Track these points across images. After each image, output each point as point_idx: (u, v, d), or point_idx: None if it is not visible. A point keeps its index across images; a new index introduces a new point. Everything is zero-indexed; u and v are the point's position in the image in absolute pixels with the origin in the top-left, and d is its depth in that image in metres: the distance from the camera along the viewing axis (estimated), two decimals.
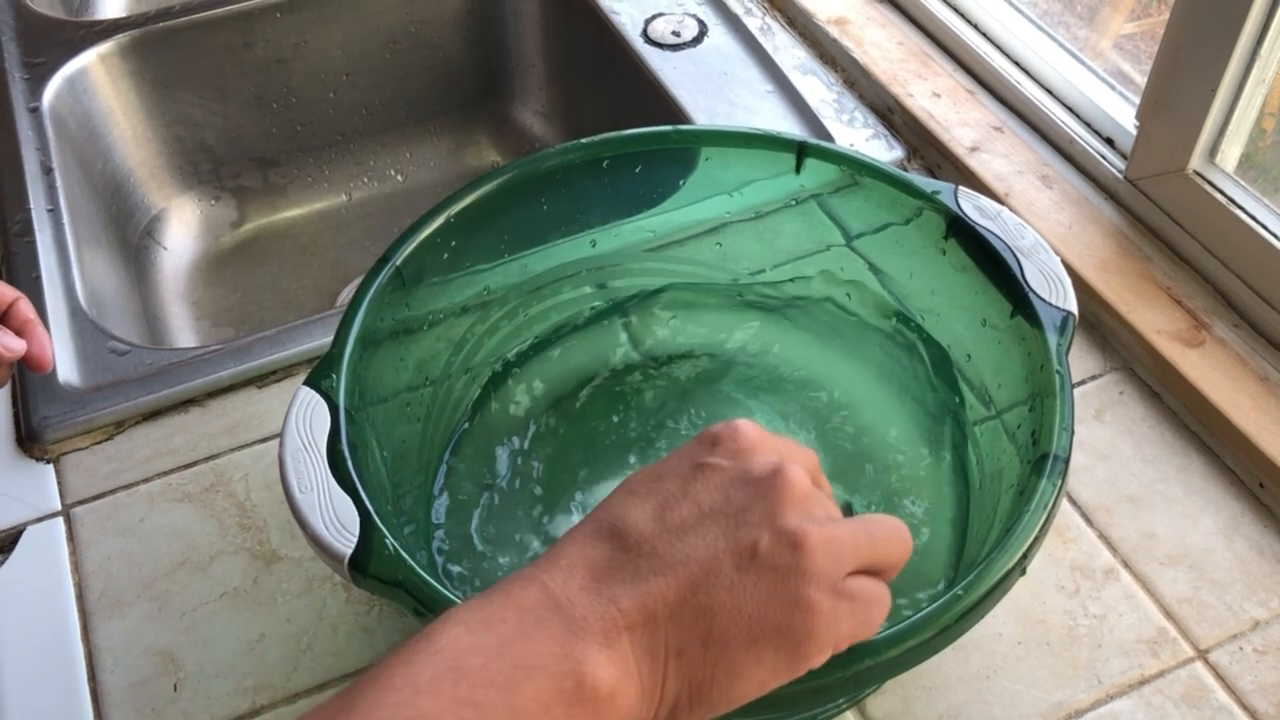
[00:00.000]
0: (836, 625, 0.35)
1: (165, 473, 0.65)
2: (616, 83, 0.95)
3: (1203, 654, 0.56)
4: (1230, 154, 0.68)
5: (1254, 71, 0.65)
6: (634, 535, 0.35)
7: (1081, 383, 0.67)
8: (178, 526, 0.62)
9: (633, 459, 0.62)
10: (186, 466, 0.65)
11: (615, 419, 0.64)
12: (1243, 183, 0.68)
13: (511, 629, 0.33)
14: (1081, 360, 0.68)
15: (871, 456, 0.61)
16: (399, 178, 1.08)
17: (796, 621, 0.34)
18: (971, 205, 0.56)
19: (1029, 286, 0.52)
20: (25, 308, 0.55)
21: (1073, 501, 0.62)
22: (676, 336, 0.67)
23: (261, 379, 0.69)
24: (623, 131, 0.60)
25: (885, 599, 0.36)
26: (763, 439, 0.38)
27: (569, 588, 0.34)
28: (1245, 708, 0.54)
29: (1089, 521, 0.61)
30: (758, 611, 0.34)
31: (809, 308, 0.65)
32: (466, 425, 0.63)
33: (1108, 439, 0.65)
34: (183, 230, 1.01)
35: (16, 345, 0.54)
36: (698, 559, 0.34)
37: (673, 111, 0.86)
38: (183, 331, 0.94)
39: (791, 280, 0.64)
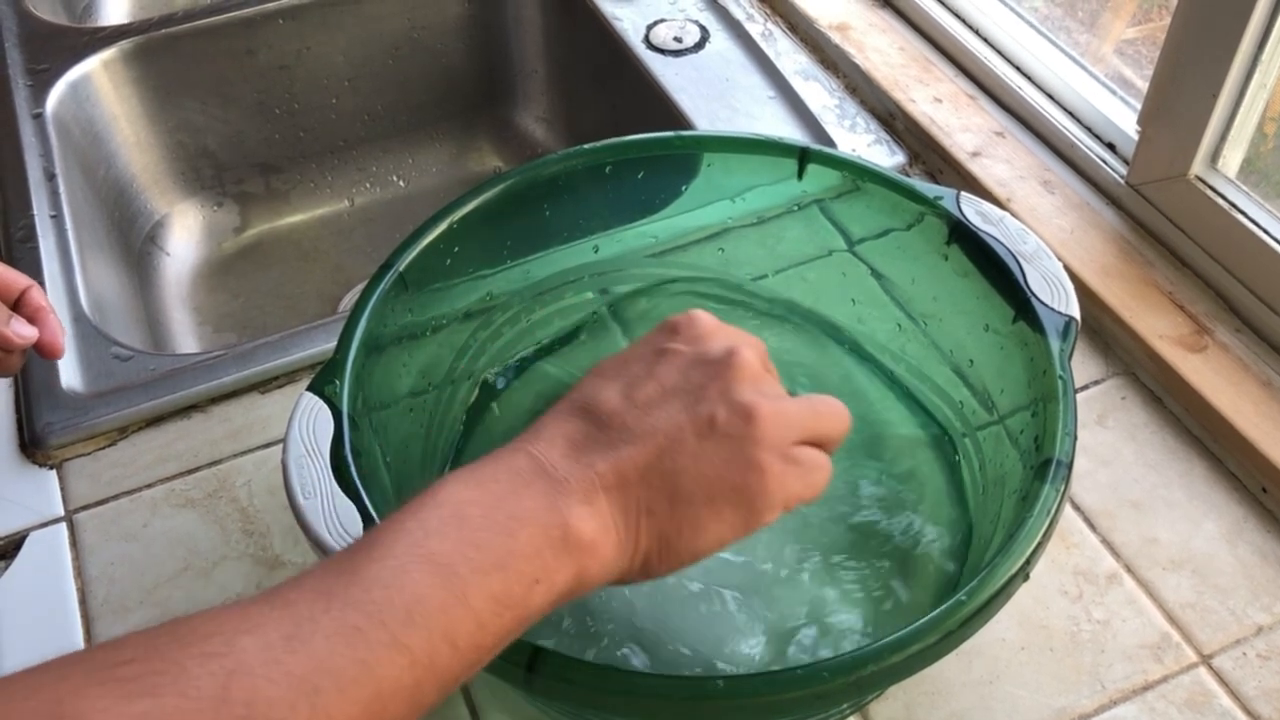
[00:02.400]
0: (785, 486, 0.39)
1: (168, 478, 0.65)
2: (618, 89, 0.96)
3: (1206, 659, 0.56)
4: (1232, 159, 0.68)
5: (1255, 76, 0.65)
6: (605, 411, 0.39)
7: (1084, 388, 0.68)
8: (181, 532, 0.62)
9: None
10: (189, 472, 0.65)
11: None
12: (1244, 187, 0.68)
13: (504, 487, 0.37)
14: (1084, 365, 0.69)
15: (874, 457, 0.61)
16: (401, 183, 1.09)
17: (751, 481, 0.38)
18: (973, 210, 0.56)
19: (1031, 291, 0.52)
20: (37, 295, 0.55)
21: (1075, 507, 0.62)
22: None
23: (264, 384, 0.69)
24: (625, 137, 0.60)
25: (827, 466, 0.40)
26: (718, 327, 0.42)
27: (551, 455, 0.38)
28: (1249, 713, 0.54)
29: (1092, 526, 0.61)
30: (716, 474, 0.38)
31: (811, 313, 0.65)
32: (469, 430, 0.63)
33: (1110, 444, 0.65)
34: (185, 236, 1.01)
35: (28, 332, 0.54)
36: (663, 430, 0.39)
37: (675, 117, 0.86)
38: (185, 337, 0.94)
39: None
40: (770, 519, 0.39)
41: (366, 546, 0.35)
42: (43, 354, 0.55)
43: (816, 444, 0.40)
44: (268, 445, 0.66)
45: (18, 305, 0.55)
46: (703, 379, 0.40)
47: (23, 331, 0.54)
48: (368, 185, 1.08)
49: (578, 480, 0.37)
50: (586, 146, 0.60)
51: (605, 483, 0.38)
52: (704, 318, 0.43)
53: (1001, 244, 0.54)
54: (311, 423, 0.48)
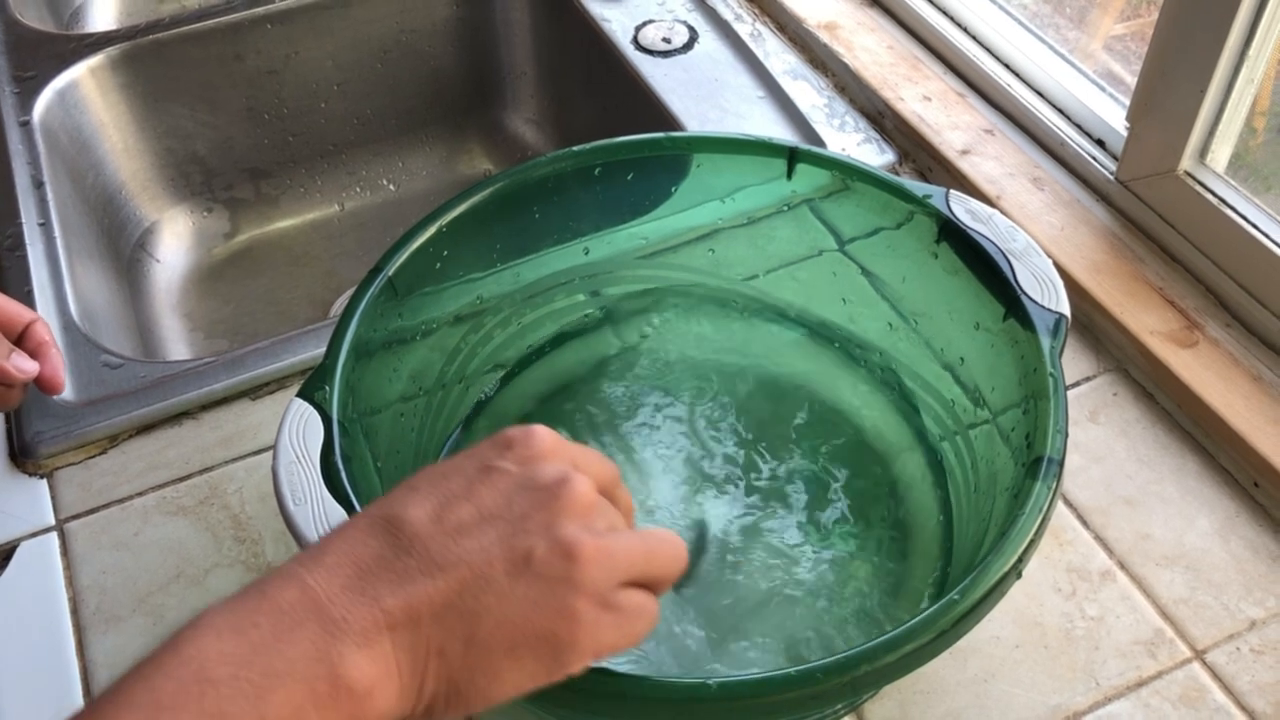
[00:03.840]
0: (598, 636, 0.35)
1: (159, 486, 0.65)
2: (608, 90, 0.96)
3: (1200, 655, 0.56)
4: (1220, 154, 0.68)
5: (1243, 71, 0.65)
6: (408, 533, 0.35)
7: (1075, 384, 0.68)
8: (172, 540, 0.62)
9: (625, 466, 0.62)
10: (180, 479, 0.65)
11: (610, 426, 0.64)
12: (1233, 183, 0.68)
13: (265, 634, 0.32)
14: (1075, 362, 0.69)
15: (859, 456, 0.61)
16: (391, 187, 1.08)
17: (560, 630, 0.35)
18: (963, 208, 0.56)
19: (1021, 289, 0.52)
20: (41, 329, 0.55)
21: (1068, 503, 0.62)
22: (671, 341, 0.67)
23: (255, 391, 0.69)
24: (614, 139, 0.60)
25: (652, 612, 0.37)
26: (557, 447, 0.38)
27: (331, 586, 0.34)
28: (1243, 708, 0.54)
29: (1085, 523, 0.61)
30: (523, 619, 0.34)
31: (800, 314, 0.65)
32: (460, 434, 0.63)
33: (1102, 440, 0.65)
34: (175, 242, 1.01)
35: (29, 367, 0.54)
36: (470, 562, 0.34)
37: (664, 118, 0.86)
38: (176, 344, 0.94)
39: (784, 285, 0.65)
40: (576, 670, 0.36)
41: None
42: (43, 389, 0.55)
43: (645, 585, 0.37)
44: (259, 452, 0.66)
45: (21, 339, 0.55)
46: (527, 507, 0.36)
47: (23, 366, 0.53)
48: (358, 189, 1.08)
49: (358, 619, 0.33)
50: (576, 148, 0.60)
51: (392, 621, 0.33)
52: (543, 434, 0.38)
53: (991, 242, 0.54)
54: (301, 429, 0.48)
